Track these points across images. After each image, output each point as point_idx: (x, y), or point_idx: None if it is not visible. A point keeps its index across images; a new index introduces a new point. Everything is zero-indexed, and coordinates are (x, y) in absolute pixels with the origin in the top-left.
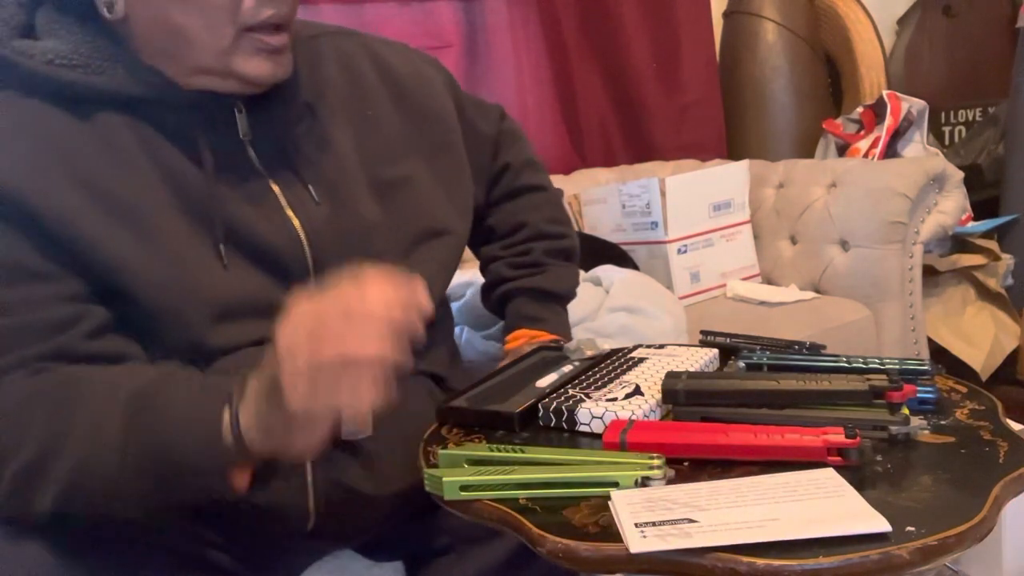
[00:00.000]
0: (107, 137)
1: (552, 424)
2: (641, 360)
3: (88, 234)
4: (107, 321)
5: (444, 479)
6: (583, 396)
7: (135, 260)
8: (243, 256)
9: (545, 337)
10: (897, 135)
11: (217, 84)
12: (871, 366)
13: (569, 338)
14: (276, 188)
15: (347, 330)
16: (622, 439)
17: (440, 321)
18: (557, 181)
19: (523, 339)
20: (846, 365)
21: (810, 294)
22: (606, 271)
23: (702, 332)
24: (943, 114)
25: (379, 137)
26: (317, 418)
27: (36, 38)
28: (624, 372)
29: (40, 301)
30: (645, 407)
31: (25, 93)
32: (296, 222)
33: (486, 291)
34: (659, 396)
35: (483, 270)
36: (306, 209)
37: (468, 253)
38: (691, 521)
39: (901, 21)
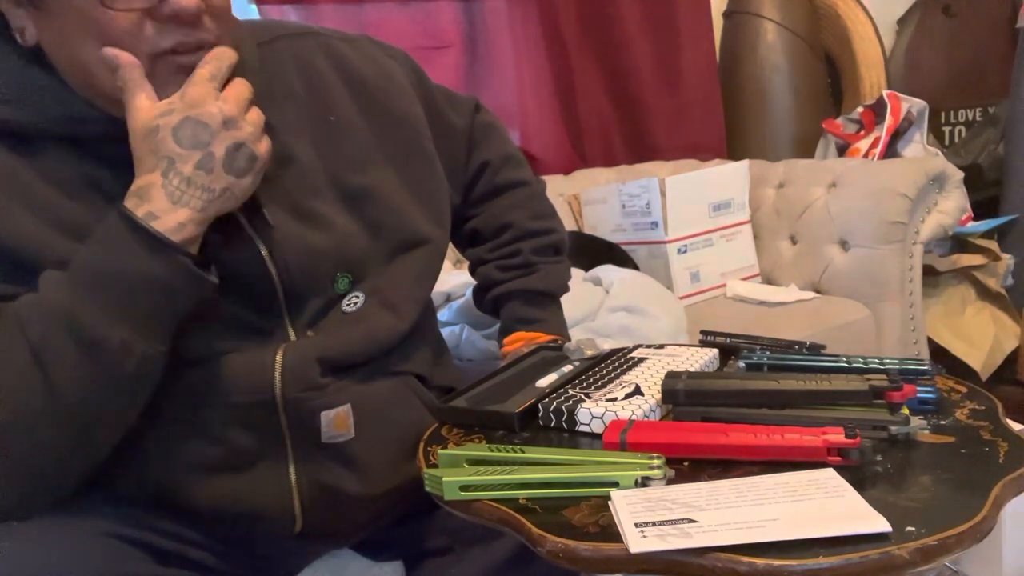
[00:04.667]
0: (51, 173)
1: (552, 424)
2: (641, 360)
3: (47, 254)
4: None
5: (444, 479)
6: (583, 396)
7: None
8: (224, 285)
9: (543, 338)
10: (897, 135)
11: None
12: (871, 366)
13: (566, 335)
14: (237, 211)
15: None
16: (622, 439)
17: (424, 324)
18: (557, 181)
19: (520, 342)
20: (846, 365)
21: (810, 294)
22: (606, 271)
23: (702, 332)
24: (943, 114)
25: (344, 144)
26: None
27: None
28: (624, 372)
29: None
30: (645, 407)
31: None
32: (261, 245)
33: (478, 294)
34: (659, 396)
35: (472, 272)
36: (269, 230)
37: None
38: (691, 521)
39: (901, 21)
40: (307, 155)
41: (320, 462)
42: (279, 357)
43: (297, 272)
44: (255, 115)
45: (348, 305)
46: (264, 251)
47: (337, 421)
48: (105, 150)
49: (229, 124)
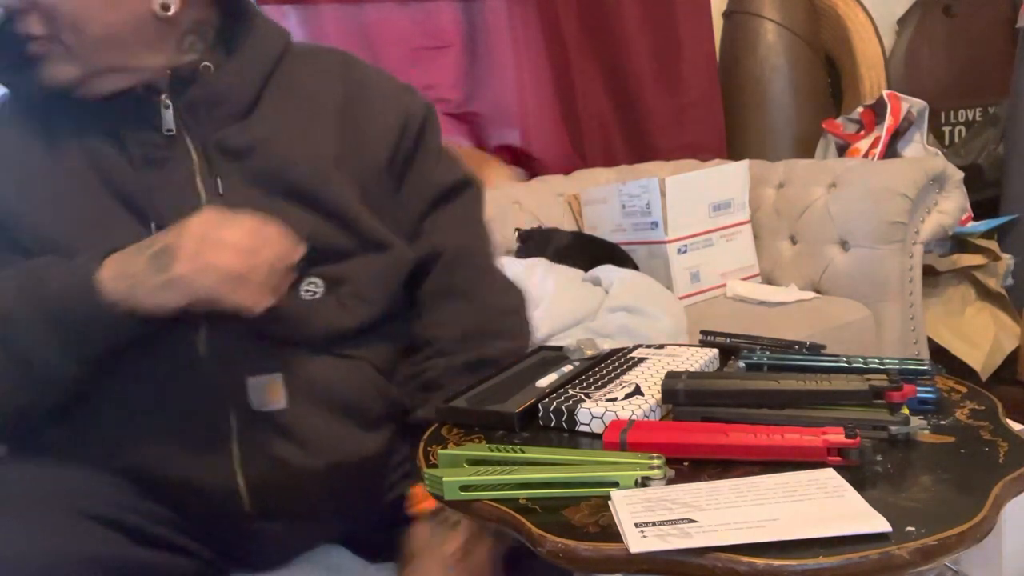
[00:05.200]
0: (51, 137)
1: (552, 424)
2: (641, 360)
3: (21, 214)
4: None
5: (444, 479)
6: (583, 396)
7: (64, 237)
8: None
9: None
10: (897, 135)
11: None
12: (871, 366)
13: None
14: (199, 182)
15: (247, 239)
16: (622, 439)
17: (387, 325)
18: (557, 181)
19: (423, 503)
20: (846, 365)
21: (810, 294)
22: (606, 271)
23: (702, 332)
24: (943, 114)
25: (315, 145)
26: (190, 286)
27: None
28: (624, 372)
29: None
30: (645, 407)
31: (20, 104)
32: (206, 206)
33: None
34: (659, 396)
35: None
36: (214, 203)
37: None
38: (691, 521)
39: (901, 21)
40: (282, 148)
41: (260, 430)
42: (204, 320)
43: None
44: (226, 258)
45: (306, 292)
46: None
47: (268, 389)
48: (95, 112)
49: (176, 229)
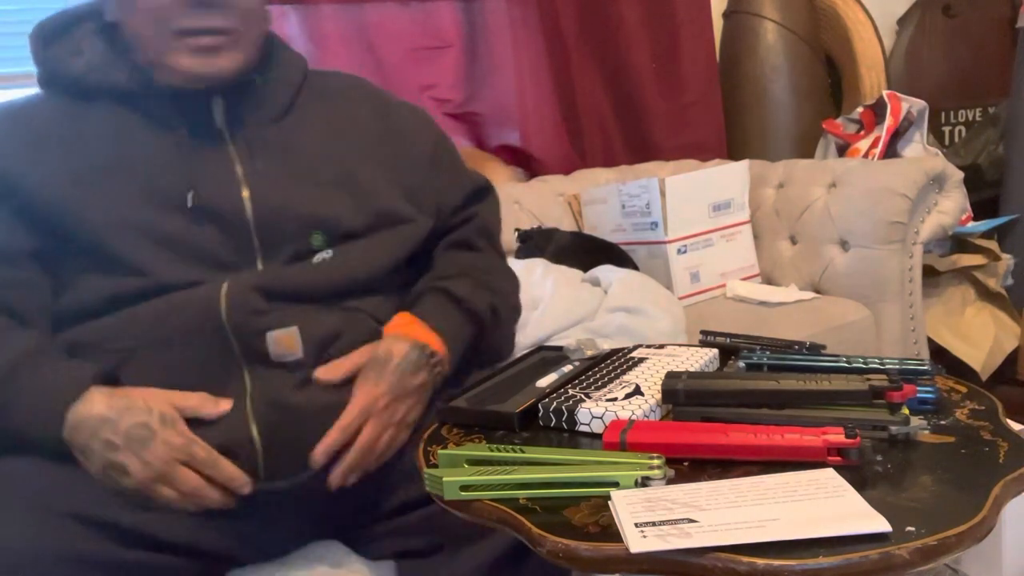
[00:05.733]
0: (95, 123)
1: (552, 424)
2: (641, 360)
3: (39, 186)
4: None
5: (444, 479)
6: (583, 396)
7: (93, 210)
8: (204, 218)
9: (418, 331)
10: (897, 135)
11: (169, 77)
12: (871, 366)
13: (452, 351)
14: (238, 165)
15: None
16: (622, 439)
17: (391, 287)
18: (557, 181)
19: (398, 326)
20: (846, 365)
21: (810, 294)
22: (605, 271)
23: (702, 332)
24: (943, 114)
25: (348, 142)
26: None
27: (81, 54)
28: (624, 372)
29: None
30: (645, 407)
31: (62, 90)
32: (245, 188)
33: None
34: (659, 396)
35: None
36: (252, 184)
37: None
38: (691, 521)
39: (901, 21)
40: (313, 144)
41: (271, 381)
42: (225, 287)
43: (270, 217)
44: (167, 490)
45: (317, 259)
46: (246, 192)
47: (286, 341)
48: (149, 106)
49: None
